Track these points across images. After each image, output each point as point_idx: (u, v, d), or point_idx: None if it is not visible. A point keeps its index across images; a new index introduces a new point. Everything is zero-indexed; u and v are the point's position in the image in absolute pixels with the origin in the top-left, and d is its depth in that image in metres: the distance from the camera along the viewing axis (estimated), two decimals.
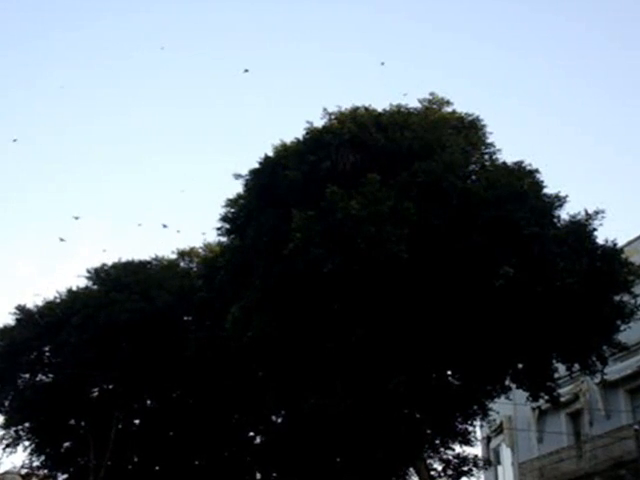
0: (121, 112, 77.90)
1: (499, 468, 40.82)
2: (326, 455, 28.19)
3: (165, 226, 30.57)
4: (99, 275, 32.88)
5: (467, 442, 28.78)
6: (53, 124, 78.35)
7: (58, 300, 32.59)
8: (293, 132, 25.25)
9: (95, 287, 32.57)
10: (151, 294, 30.48)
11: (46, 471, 34.21)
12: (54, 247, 79.69)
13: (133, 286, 31.06)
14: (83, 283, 32.98)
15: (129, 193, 77.54)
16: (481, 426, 35.02)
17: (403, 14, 77.88)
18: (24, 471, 34.29)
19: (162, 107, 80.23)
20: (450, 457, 28.84)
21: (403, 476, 29.21)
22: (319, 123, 24.96)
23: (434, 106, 25.50)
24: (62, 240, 31.13)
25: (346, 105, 25.29)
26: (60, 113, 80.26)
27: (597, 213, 23.16)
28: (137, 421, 34.44)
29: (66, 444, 34.20)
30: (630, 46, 77.73)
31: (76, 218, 32.07)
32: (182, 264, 33.87)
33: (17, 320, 32.38)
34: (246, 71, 32.81)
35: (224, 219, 25.99)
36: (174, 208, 79.05)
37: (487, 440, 41.02)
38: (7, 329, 32.29)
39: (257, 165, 24.84)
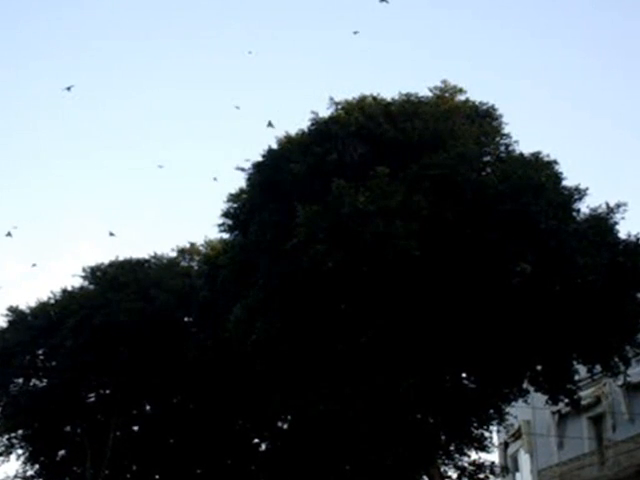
0: (118, 101, 78.08)
1: (517, 475, 40.90)
2: (334, 462, 28.31)
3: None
4: (95, 274, 33.02)
5: (483, 448, 28.82)
6: (46, 115, 78.53)
7: (52, 301, 32.75)
8: (298, 123, 25.33)
9: (91, 287, 32.73)
10: (150, 294, 30.60)
11: None
12: (46, 245, 79.84)
13: (131, 286, 31.19)
14: (78, 283, 33.21)
15: (126, 186, 77.72)
16: (498, 431, 35.09)
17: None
18: None
19: (158, 97, 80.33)
20: (465, 464, 28.89)
21: None
22: (325, 113, 25.04)
23: (446, 94, 25.48)
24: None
25: (353, 94, 25.39)
26: (54, 102, 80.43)
27: (619, 206, 23.27)
28: (136, 428, 34.59)
29: (61, 452, 34.40)
30: None
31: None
32: (182, 262, 34.00)
33: (9, 322, 32.55)
34: (250, 53, 33.97)
35: (226, 215, 26.06)
36: (174, 203, 79.27)
37: (504, 446, 41.09)
38: None
39: (260, 158, 24.93)
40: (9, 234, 29.00)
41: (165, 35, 77.93)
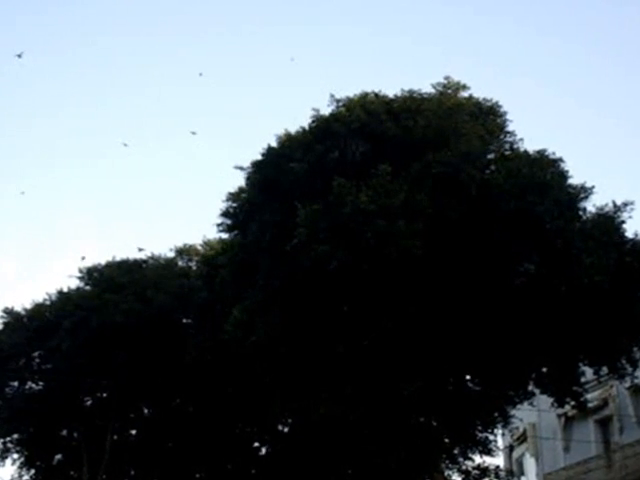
0: (118, 100, 78.09)
1: (522, 479, 40.86)
2: (336, 467, 28.26)
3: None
4: (92, 275, 32.92)
5: (488, 452, 28.78)
6: (45, 114, 78.56)
7: (48, 302, 32.63)
8: (298, 121, 25.31)
9: (88, 288, 32.61)
10: (147, 295, 30.51)
11: None
12: (42, 245, 79.85)
13: (128, 286, 31.10)
14: (75, 284, 33.09)
15: (122, 185, 77.69)
16: (503, 434, 35.11)
17: None
18: None
19: (157, 94, 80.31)
20: (470, 468, 28.84)
21: None
22: (326, 111, 25.00)
23: (449, 91, 25.41)
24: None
25: (355, 91, 25.36)
26: (56, 102, 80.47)
27: (626, 205, 23.23)
28: (134, 431, 34.53)
29: (58, 457, 34.30)
30: None
31: None
32: (180, 263, 33.92)
33: (4, 324, 32.47)
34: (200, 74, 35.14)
35: (225, 214, 26.03)
36: (171, 202, 79.25)
37: (509, 449, 41.07)
38: None
39: (260, 156, 24.89)
40: None
41: (165, 32, 78.09)
